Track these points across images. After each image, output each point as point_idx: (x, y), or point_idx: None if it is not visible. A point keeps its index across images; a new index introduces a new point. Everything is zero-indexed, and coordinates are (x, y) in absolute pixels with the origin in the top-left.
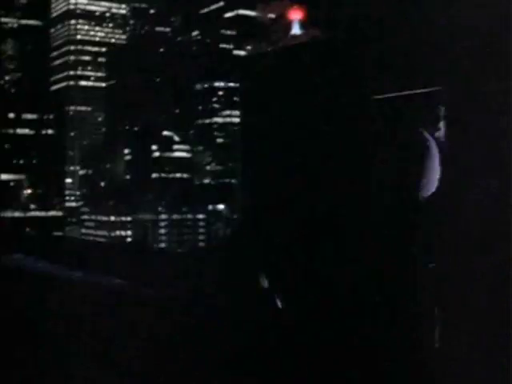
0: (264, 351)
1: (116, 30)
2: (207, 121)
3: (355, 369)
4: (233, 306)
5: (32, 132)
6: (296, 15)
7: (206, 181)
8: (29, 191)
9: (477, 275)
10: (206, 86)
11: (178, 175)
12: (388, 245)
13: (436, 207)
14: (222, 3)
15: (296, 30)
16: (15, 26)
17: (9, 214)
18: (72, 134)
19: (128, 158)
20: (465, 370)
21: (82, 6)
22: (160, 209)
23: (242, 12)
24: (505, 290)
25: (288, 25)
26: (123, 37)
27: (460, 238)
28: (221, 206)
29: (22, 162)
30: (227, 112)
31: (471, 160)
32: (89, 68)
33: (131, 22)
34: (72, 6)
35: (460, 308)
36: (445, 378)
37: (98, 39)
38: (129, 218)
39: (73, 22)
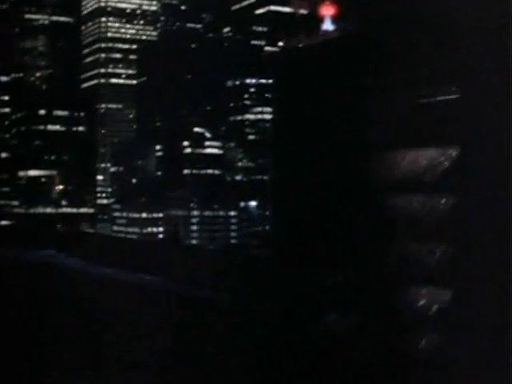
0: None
1: (147, 27)
2: (239, 117)
3: None
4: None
5: (63, 129)
6: (328, 11)
7: (238, 177)
8: (60, 187)
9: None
10: (237, 82)
11: (210, 171)
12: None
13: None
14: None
15: (328, 25)
16: (46, 22)
17: (40, 210)
18: (103, 131)
19: (159, 154)
20: (466, 371)
21: (112, 4)
22: (191, 205)
23: (273, 8)
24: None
25: (320, 20)
26: (154, 34)
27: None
28: (252, 203)
29: (52, 158)
30: (259, 109)
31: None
32: (119, 65)
33: (162, 18)
34: (103, 4)
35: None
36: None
37: (128, 36)
38: (160, 215)
39: (103, 19)
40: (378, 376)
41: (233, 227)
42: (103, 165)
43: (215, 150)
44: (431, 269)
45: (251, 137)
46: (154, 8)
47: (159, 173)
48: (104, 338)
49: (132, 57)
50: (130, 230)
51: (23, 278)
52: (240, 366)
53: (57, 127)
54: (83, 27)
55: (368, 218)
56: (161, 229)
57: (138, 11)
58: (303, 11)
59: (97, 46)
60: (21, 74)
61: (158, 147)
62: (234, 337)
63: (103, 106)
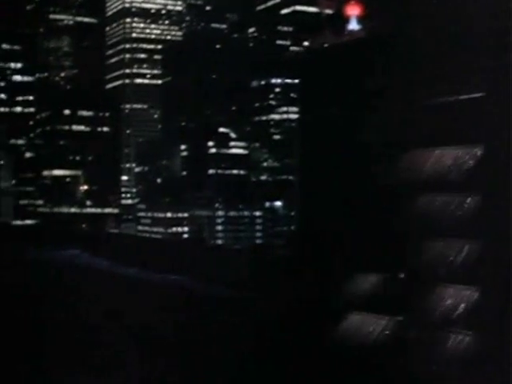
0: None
1: (171, 27)
2: (264, 117)
3: None
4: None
5: (88, 129)
6: (353, 11)
7: (263, 177)
8: (85, 187)
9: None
10: (262, 82)
11: (235, 172)
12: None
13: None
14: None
15: (353, 25)
16: (71, 23)
17: (64, 210)
18: (128, 131)
19: (184, 154)
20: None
21: (137, 4)
22: (216, 205)
23: (298, 8)
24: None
25: (345, 20)
26: (179, 34)
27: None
28: (277, 203)
29: (77, 158)
30: (284, 108)
31: None
32: (144, 66)
33: (187, 18)
34: (127, 4)
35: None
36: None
37: (153, 37)
38: (185, 215)
39: (128, 19)
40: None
41: (258, 227)
42: (128, 165)
43: (240, 151)
44: (458, 267)
45: (276, 137)
46: (178, 8)
47: (184, 173)
48: (128, 335)
49: (157, 57)
50: (155, 229)
51: (47, 277)
52: (265, 363)
53: (81, 127)
54: (108, 28)
55: (394, 218)
56: (185, 229)
57: (163, 11)
58: (329, 11)
59: (122, 46)
60: (45, 74)
61: (182, 147)
62: (259, 335)
63: (128, 106)
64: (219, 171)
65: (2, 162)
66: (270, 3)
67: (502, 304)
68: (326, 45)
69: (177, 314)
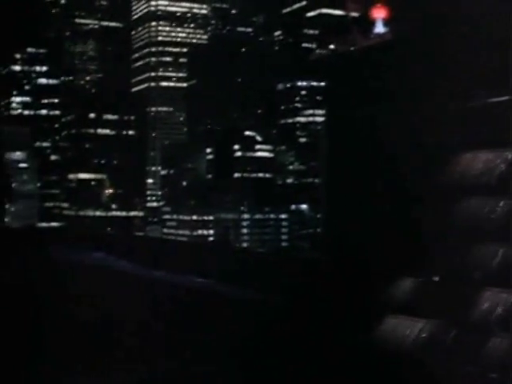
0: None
1: (197, 31)
2: (290, 120)
3: None
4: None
5: (113, 132)
6: (379, 14)
7: (289, 180)
8: (110, 191)
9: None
10: (288, 85)
11: (261, 175)
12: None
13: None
14: (304, 2)
15: (379, 28)
16: (96, 27)
17: (90, 212)
18: (153, 134)
19: (210, 157)
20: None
21: (162, 8)
22: (242, 208)
23: (324, 11)
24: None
25: (372, 23)
26: (204, 37)
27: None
28: (303, 206)
29: (102, 161)
30: (310, 111)
31: None
32: (170, 69)
33: (212, 22)
34: (153, 8)
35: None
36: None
37: (179, 40)
38: (210, 218)
39: (154, 23)
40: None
41: (283, 230)
42: (153, 168)
43: (266, 153)
44: (493, 271)
45: (302, 139)
46: (204, 11)
47: (210, 176)
48: (155, 338)
49: (182, 60)
50: (180, 232)
51: (73, 280)
52: (292, 366)
53: (107, 131)
54: (133, 31)
55: (423, 221)
56: (211, 231)
57: (189, 15)
58: (355, 14)
59: (147, 49)
60: (71, 78)
61: (208, 150)
62: (286, 339)
63: (153, 109)
64: (245, 174)
65: (27, 165)
66: (295, 6)
67: None
68: (352, 47)
69: (206, 316)
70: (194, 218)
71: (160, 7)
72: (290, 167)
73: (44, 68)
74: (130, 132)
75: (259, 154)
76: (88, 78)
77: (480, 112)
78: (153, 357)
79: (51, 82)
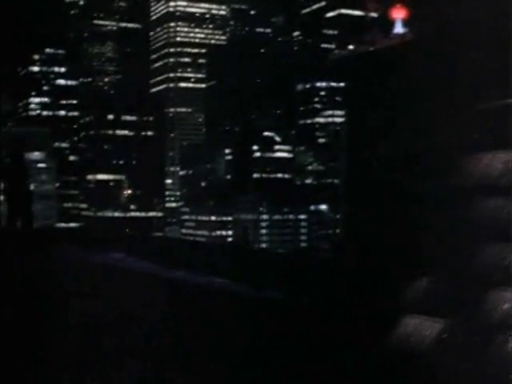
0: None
1: (216, 31)
2: (309, 121)
3: None
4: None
5: (132, 133)
6: (399, 14)
7: (308, 181)
8: (128, 191)
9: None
10: (307, 86)
11: (279, 175)
12: None
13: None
14: (323, 3)
15: (399, 28)
16: (114, 28)
17: (109, 213)
18: (172, 134)
19: (229, 158)
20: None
21: (181, 8)
22: (261, 209)
23: (343, 11)
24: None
25: (391, 23)
26: (223, 38)
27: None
28: (322, 206)
29: (121, 162)
30: (329, 112)
31: None
32: (188, 69)
33: (231, 23)
34: (171, 9)
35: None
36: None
37: (197, 41)
38: (229, 218)
39: (172, 24)
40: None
41: (302, 231)
42: (172, 168)
43: (285, 154)
44: (510, 272)
45: (321, 140)
46: (223, 12)
47: (228, 176)
48: (176, 339)
49: (201, 61)
50: (199, 233)
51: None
52: (311, 365)
53: (125, 132)
54: (152, 32)
55: (442, 222)
56: (230, 232)
57: (207, 15)
58: (374, 14)
59: (166, 50)
60: (89, 79)
61: (227, 151)
62: (306, 339)
63: (172, 109)
64: (264, 175)
65: (46, 165)
66: (314, 7)
67: None
68: (371, 48)
69: (223, 316)
70: (213, 218)
71: (179, 8)
72: (309, 168)
73: (62, 69)
74: (149, 133)
75: (278, 154)
76: (107, 79)
77: (499, 112)
78: (177, 357)
79: (70, 83)
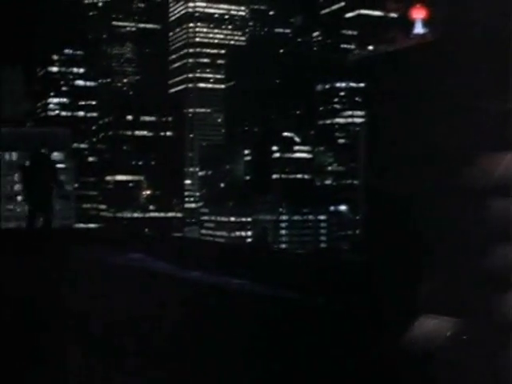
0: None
1: (235, 32)
2: (328, 121)
3: None
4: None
5: (151, 133)
6: (419, 14)
7: (328, 181)
8: (147, 192)
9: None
10: (326, 86)
11: (299, 176)
12: None
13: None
14: (342, 3)
15: (419, 28)
16: (133, 29)
17: (127, 214)
18: (191, 135)
19: (248, 158)
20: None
21: (200, 9)
22: (280, 209)
23: (363, 12)
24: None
25: (411, 24)
26: (242, 38)
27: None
28: (342, 207)
29: (140, 163)
30: (348, 112)
31: None
32: (208, 70)
33: (250, 23)
34: (190, 9)
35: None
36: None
37: (216, 41)
38: (249, 219)
39: (191, 24)
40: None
41: (322, 231)
42: (191, 169)
43: (304, 155)
44: None
45: (341, 141)
46: (242, 13)
47: (248, 177)
48: (196, 340)
49: (220, 61)
50: (218, 233)
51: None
52: (330, 365)
53: (144, 132)
54: (171, 33)
55: (463, 223)
56: (249, 233)
57: (226, 16)
58: (394, 14)
59: (185, 51)
60: (108, 80)
61: (246, 151)
62: (324, 339)
63: (191, 110)
64: (283, 175)
65: (65, 166)
66: (334, 7)
67: None
68: (391, 48)
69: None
70: (232, 219)
71: (198, 9)
72: (329, 168)
73: (81, 70)
74: (168, 133)
75: (298, 155)
76: (126, 80)
77: None
78: (196, 357)
79: (88, 83)
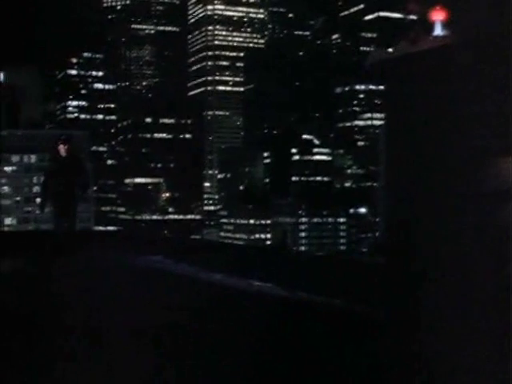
0: None
1: (254, 35)
2: (348, 124)
3: None
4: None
5: (170, 136)
6: (438, 16)
7: (347, 184)
8: (167, 195)
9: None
10: (346, 88)
11: (318, 178)
12: None
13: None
14: (362, 6)
15: (438, 31)
16: (152, 32)
17: (147, 216)
18: (210, 137)
19: (267, 161)
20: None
21: (219, 12)
22: (300, 212)
23: (382, 14)
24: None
25: (430, 26)
26: (261, 41)
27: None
28: (362, 209)
29: (159, 165)
30: (368, 115)
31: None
32: (227, 73)
33: (269, 26)
34: (209, 12)
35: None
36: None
37: (235, 44)
38: (268, 222)
39: (210, 27)
40: None
41: (342, 234)
42: (210, 171)
43: (324, 157)
44: None
45: (360, 143)
46: (260, 16)
47: (267, 179)
48: (216, 343)
49: (239, 64)
50: (238, 236)
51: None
52: (353, 369)
53: (163, 135)
54: (190, 36)
55: (483, 225)
56: (268, 235)
57: (245, 19)
58: (414, 16)
59: (204, 53)
60: (127, 83)
61: (265, 154)
62: (347, 341)
63: (210, 113)
64: (303, 178)
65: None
66: (353, 9)
67: None
68: (411, 51)
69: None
70: (251, 221)
71: (216, 11)
72: (348, 171)
73: (100, 73)
74: (187, 136)
75: (317, 157)
76: (145, 83)
77: None
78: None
79: (107, 86)
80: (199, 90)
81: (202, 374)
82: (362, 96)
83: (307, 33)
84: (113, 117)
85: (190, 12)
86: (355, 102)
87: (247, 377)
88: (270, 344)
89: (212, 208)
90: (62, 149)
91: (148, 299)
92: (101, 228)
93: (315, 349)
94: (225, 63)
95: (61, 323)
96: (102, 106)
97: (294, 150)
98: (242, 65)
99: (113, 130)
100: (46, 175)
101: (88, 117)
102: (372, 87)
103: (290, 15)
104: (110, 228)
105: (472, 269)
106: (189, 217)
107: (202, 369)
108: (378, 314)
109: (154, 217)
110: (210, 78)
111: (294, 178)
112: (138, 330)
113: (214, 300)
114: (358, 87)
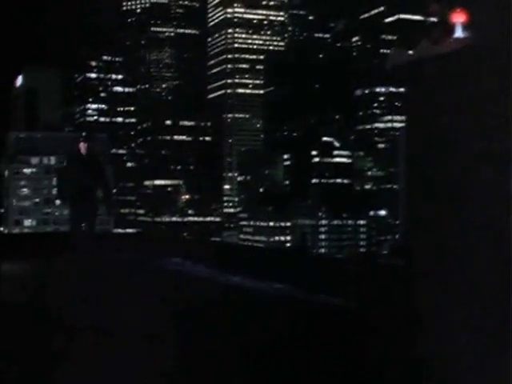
0: None
1: (274, 37)
2: (368, 126)
3: None
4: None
5: (189, 138)
6: (459, 18)
7: (367, 186)
8: (186, 197)
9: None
10: (366, 91)
11: (338, 180)
12: None
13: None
14: (382, 8)
15: (459, 33)
16: (172, 35)
17: (166, 218)
18: (230, 140)
19: (287, 163)
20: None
21: (239, 15)
22: (320, 214)
23: (402, 16)
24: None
25: (451, 28)
26: (281, 44)
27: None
28: (382, 212)
29: (179, 167)
30: (388, 117)
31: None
32: (246, 76)
33: (289, 28)
34: (229, 15)
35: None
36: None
37: (255, 47)
38: (288, 224)
39: (230, 30)
40: None
41: (362, 236)
42: (230, 174)
43: (344, 159)
44: None
45: (380, 145)
46: (281, 18)
47: (287, 182)
48: (233, 345)
49: (259, 67)
50: (257, 238)
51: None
52: (369, 371)
53: (183, 137)
54: (210, 38)
55: (503, 226)
56: (288, 237)
57: (265, 22)
58: (434, 19)
59: (224, 56)
60: (147, 86)
61: (285, 156)
62: (366, 345)
63: (230, 115)
64: (323, 180)
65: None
66: (373, 12)
67: None
68: (432, 53)
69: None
70: (271, 223)
71: (236, 14)
72: (368, 173)
73: (120, 76)
74: (207, 138)
75: (337, 159)
76: (164, 86)
77: None
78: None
79: (127, 89)
80: (219, 93)
81: (222, 374)
82: (382, 98)
83: (327, 35)
84: (132, 119)
85: (210, 15)
86: (375, 105)
87: (267, 377)
88: (287, 346)
89: (232, 210)
90: (83, 147)
91: (168, 301)
92: (120, 230)
93: (334, 350)
94: (245, 66)
95: (81, 323)
96: (122, 109)
97: (314, 153)
98: (261, 67)
99: (132, 133)
100: (61, 172)
101: (107, 120)
102: (392, 89)
103: (310, 18)
104: (130, 230)
105: (495, 269)
106: (208, 219)
107: (220, 369)
108: (394, 316)
109: (174, 219)
110: (229, 81)
111: (313, 181)
112: (151, 333)
113: (231, 302)
114: (378, 89)
